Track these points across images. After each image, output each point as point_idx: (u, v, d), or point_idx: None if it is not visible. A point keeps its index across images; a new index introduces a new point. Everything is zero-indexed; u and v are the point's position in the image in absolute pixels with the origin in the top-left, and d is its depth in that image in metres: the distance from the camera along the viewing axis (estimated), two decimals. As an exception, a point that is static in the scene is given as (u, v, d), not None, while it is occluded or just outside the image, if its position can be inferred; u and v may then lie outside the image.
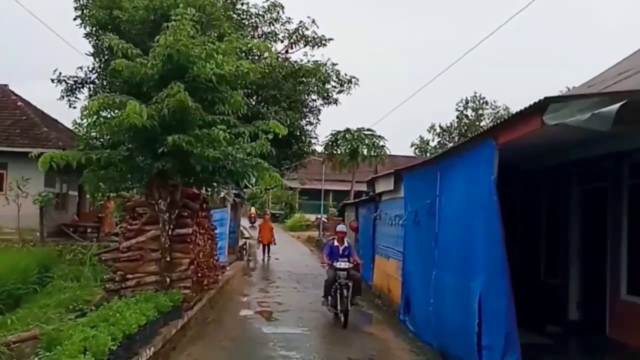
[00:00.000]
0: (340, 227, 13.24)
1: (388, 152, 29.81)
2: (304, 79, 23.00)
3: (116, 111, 8.25)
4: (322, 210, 36.16)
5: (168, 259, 9.35)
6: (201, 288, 11.05)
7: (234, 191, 19.69)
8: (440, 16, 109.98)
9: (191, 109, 8.40)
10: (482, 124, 55.14)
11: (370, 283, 16.48)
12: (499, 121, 10.92)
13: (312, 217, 47.54)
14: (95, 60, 16.24)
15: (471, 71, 79.51)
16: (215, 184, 10.27)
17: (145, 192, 9.59)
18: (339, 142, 29.50)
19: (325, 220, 36.71)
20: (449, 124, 57.49)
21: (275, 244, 26.37)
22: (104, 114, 8.50)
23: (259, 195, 72.34)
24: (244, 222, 51.97)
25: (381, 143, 29.51)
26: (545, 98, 5.64)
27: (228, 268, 18.15)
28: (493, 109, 56.03)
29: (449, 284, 8.04)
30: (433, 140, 57.87)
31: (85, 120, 8.22)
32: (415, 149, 58.02)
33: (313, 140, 24.14)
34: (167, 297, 8.47)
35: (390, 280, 13.48)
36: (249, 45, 10.34)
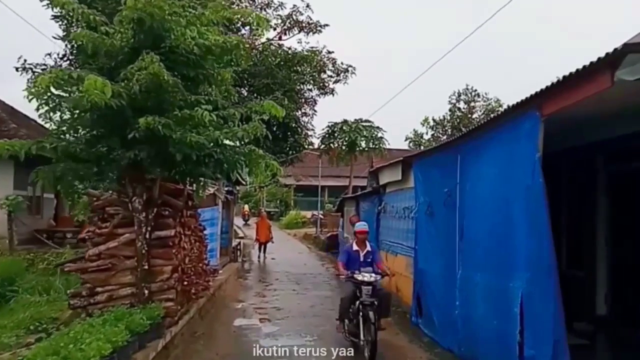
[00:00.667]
0: (361, 226, 9.58)
1: (387, 144, 28.53)
2: (298, 67, 21.66)
3: (75, 89, 6.80)
4: (319, 206, 34.75)
5: (146, 267, 7.94)
6: (188, 298, 9.66)
7: (225, 188, 18.31)
8: (441, 8, 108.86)
9: (168, 85, 6.98)
10: (474, 116, 54.23)
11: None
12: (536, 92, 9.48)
13: (308, 213, 46.30)
14: (66, 45, 14.76)
15: (465, 64, 78.44)
16: (201, 178, 8.78)
17: (117, 189, 8.15)
18: (336, 134, 28.11)
19: (322, 217, 35.35)
20: (441, 117, 56.46)
21: (272, 242, 25.19)
22: (60, 93, 7.01)
23: (253, 193, 71.18)
24: (238, 221, 50.83)
25: (379, 134, 28.17)
26: (624, 45, 4.29)
27: (221, 271, 16.77)
28: (485, 101, 55.06)
29: (481, 284, 6.68)
30: (427, 133, 56.87)
31: (36, 103, 6.72)
32: (410, 142, 56.87)
33: (310, 132, 22.85)
34: (145, 314, 7.08)
35: (399, 278, 12.14)
36: (239, 16, 8.86)
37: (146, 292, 7.79)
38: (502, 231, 6.25)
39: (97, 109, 6.80)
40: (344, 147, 28.64)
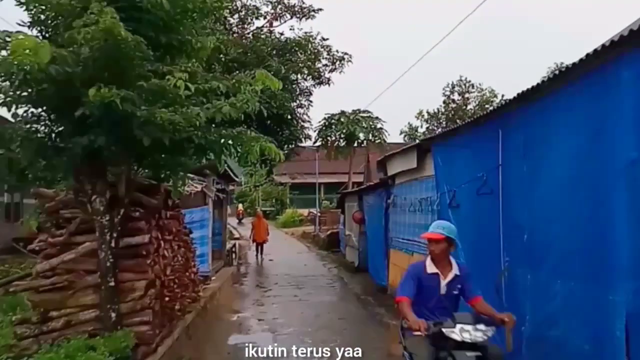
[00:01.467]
0: (436, 229, 5.10)
1: (387, 136, 26.98)
2: (291, 55, 20.04)
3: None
4: (317, 203, 33.16)
5: (112, 283, 6.28)
6: (171, 316, 8.03)
7: (216, 185, 16.68)
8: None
9: (129, 48, 5.32)
10: (469, 107, 52.91)
11: (385, 284, 13.59)
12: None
13: (305, 211, 44.75)
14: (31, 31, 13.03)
15: (460, 55, 76.98)
16: (180, 170, 7.06)
17: (73, 186, 6.48)
18: (333, 126, 26.50)
19: (320, 214, 33.70)
20: (436, 110, 55.11)
21: (267, 241, 23.72)
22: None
23: (248, 193, 69.48)
24: (232, 222, 49.13)
25: (379, 125, 26.54)
26: None
27: (213, 278, 15.13)
28: (479, 92, 53.64)
29: (561, 294, 4.97)
30: (421, 126, 55.52)
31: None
32: (405, 136, 55.42)
33: (306, 125, 21.28)
34: (111, 344, 5.46)
35: (419, 282, 10.55)
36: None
37: (113, 315, 6.14)
38: (591, 224, 4.54)
39: (35, 80, 5.15)
40: (341, 140, 27.03)
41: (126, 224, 6.70)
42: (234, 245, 21.14)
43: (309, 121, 21.43)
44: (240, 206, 58.17)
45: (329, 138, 26.94)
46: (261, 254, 23.53)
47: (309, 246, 27.42)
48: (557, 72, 5.08)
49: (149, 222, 7.00)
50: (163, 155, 6.56)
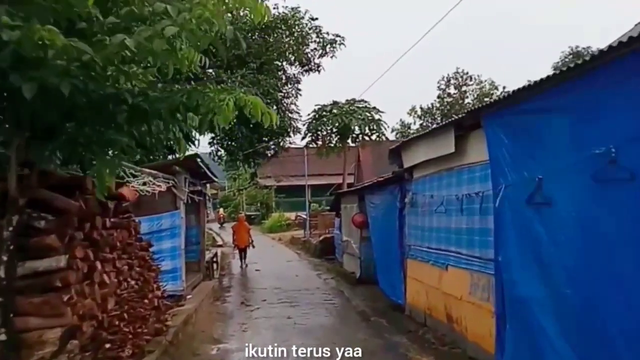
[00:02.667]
0: None
1: (386, 128, 24.35)
2: (275, 34, 17.43)
3: None
4: (307, 206, 30.50)
5: (2, 336, 3.67)
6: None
7: (190, 187, 14.03)
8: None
9: None
10: (467, 101, 50.63)
11: (402, 302, 11.05)
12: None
13: (292, 215, 42.18)
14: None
15: (456, 47, 74.93)
16: (108, 149, 4.33)
17: None
18: (324, 119, 23.86)
19: (308, 217, 31.03)
20: (430, 105, 52.79)
21: (253, 247, 21.14)
22: None
23: (232, 198, 66.65)
24: (215, 227, 46.30)
25: (377, 117, 23.92)
26: None
27: (189, 296, 12.49)
28: (478, 84, 51.38)
29: None
30: (414, 123, 53.23)
31: None
32: (397, 134, 53.05)
33: (294, 116, 18.68)
34: None
35: (458, 305, 8.01)
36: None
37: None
38: None
39: None
40: (334, 135, 24.40)
41: (27, 240, 4.06)
42: (215, 254, 18.44)
43: (297, 112, 18.88)
44: (222, 210, 55.39)
45: (319, 133, 24.27)
46: (244, 259, 21.20)
47: (299, 253, 24.77)
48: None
49: (65, 236, 4.35)
50: (77, 126, 3.87)
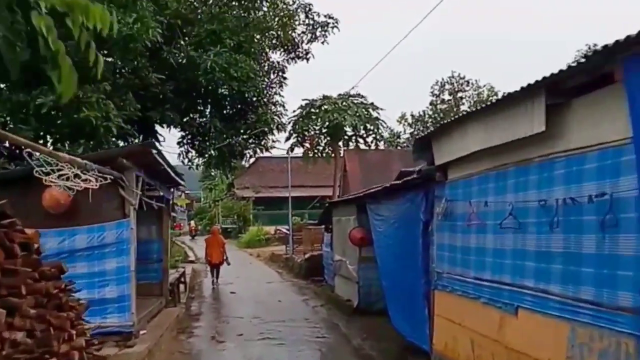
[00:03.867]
0: None
1: (385, 128, 21.44)
2: (256, 10, 14.64)
3: None
4: (289, 219, 27.54)
5: None
6: None
7: (152, 192, 11.15)
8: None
9: None
10: (462, 108, 48.16)
11: (428, 347, 8.24)
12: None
13: (272, 228, 39.20)
14: None
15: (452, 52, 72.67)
16: None
17: None
18: (312, 116, 20.96)
19: (289, 232, 28.09)
20: (421, 112, 50.32)
21: (228, 263, 18.38)
22: None
23: (207, 209, 63.26)
24: (188, 240, 43.01)
25: (374, 115, 21.01)
26: None
27: (143, 332, 9.57)
28: (475, 90, 48.95)
29: None
30: (404, 132, 50.74)
31: None
32: (384, 143, 50.41)
33: (278, 109, 15.83)
34: None
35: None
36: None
37: None
38: None
39: None
40: (323, 135, 21.49)
41: None
42: (183, 273, 15.43)
43: (282, 105, 16.04)
44: (193, 222, 52.23)
45: (306, 132, 21.36)
46: (217, 278, 18.54)
47: (280, 272, 21.78)
48: None
49: None
50: None
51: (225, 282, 18.69)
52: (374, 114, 21.18)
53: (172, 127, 14.09)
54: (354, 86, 60.59)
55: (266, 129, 15.32)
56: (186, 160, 17.18)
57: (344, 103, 20.65)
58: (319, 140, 21.83)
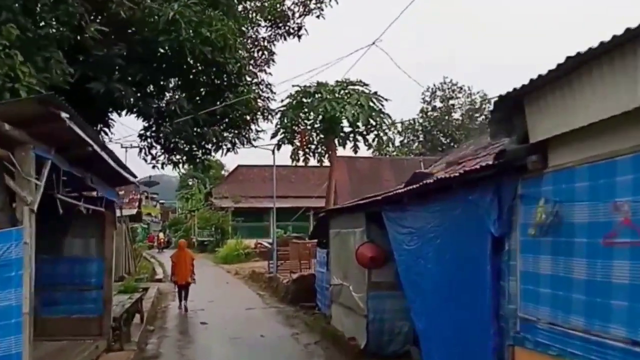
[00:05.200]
0: None
1: (389, 126, 18.12)
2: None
3: None
4: (273, 232, 24.20)
5: None
6: None
7: (65, 190, 7.92)
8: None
9: None
10: (455, 116, 45.70)
11: None
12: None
13: (252, 242, 35.84)
14: None
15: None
16: None
17: None
18: (305, 107, 17.68)
19: (273, 246, 24.77)
20: (412, 120, 47.60)
21: (194, 281, 15.67)
22: None
23: (182, 221, 59.57)
24: (165, 256, 39.18)
25: (379, 107, 17.78)
26: None
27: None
28: (468, 97, 46.56)
29: None
30: (394, 140, 47.95)
31: None
32: (374, 151, 47.54)
33: (263, 91, 12.56)
34: None
35: None
36: None
37: None
38: None
39: None
40: (317, 129, 18.19)
41: None
42: (139, 300, 12.00)
43: (268, 87, 12.74)
44: (161, 235, 48.61)
45: (296, 127, 18.06)
46: (185, 300, 15.44)
47: (262, 295, 18.38)
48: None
49: None
50: None
51: (196, 307, 15.34)
52: (378, 106, 17.97)
53: (125, 111, 10.83)
54: (352, 66, 56.98)
55: (248, 116, 12.09)
56: (149, 158, 13.85)
57: (342, 91, 17.42)
58: (311, 137, 18.53)
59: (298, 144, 18.40)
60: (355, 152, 19.41)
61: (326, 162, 22.01)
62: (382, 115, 18.12)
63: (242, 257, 32.51)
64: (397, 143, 47.46)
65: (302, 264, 19.19)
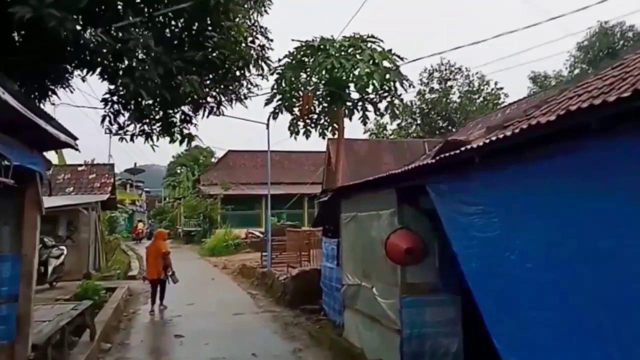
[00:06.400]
0: None
1: (407, 89, 15.15)
2: None
3: None
4: (268, 220, 21.17)
5: None
6: None
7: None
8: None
9: None
10: (453, 98, 43.04)
11: None
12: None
13: (242, 232, 32.96)
14: None
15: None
16: None
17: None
18: (307, 67, 14.67)
19: (267, 236, 21.82)
20: (409, 102, 44.79)
21: (174, 281, 13.14)
22: None
23: (169, 210, 56.42)
24: (141, 248, 35.81)
25: (394, 66, 14.78)
26: None
27: None
28: (466, 79, 43.96)
29: None
30: (391, 122, 45.23)
31: None
32: (371, 134, 44.79)
33: (258, 38, 9.44)
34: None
35: None
36: None
37: None
38: None
39: None
40: (321, 95, 15.13)
41: None
42: (81, 313, 8.92)
43: (264, 33, 9.63)
44: (140, 225, 45.39)
45: (295, 93, 15.00)
46: (161, 300, 13.09)
47: (254, 295, 15.39)
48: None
49: None
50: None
51: (172, 315, 12.42)
52: (394, 66, 14.91)
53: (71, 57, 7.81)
54: (350, 21, 53.56)
55: (237, 66, 8.99)
56: (114, 128, 10.79)
57: (352, 46, 14.30)
58: (313, 106, 15.41)
59: (298, 113, 15.31)
60: (365, 123, 16.45)
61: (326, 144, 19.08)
62: (399, 76, 15.03)
63: (231, 249, 29.54)
64: (394, 126, 44.80)
65: (302, 256, 16.27)
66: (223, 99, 9.50)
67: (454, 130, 34.94)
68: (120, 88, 9.19)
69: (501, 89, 43.42)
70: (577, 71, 36.83)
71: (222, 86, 9.29)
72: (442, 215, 5.82)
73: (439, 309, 7.09)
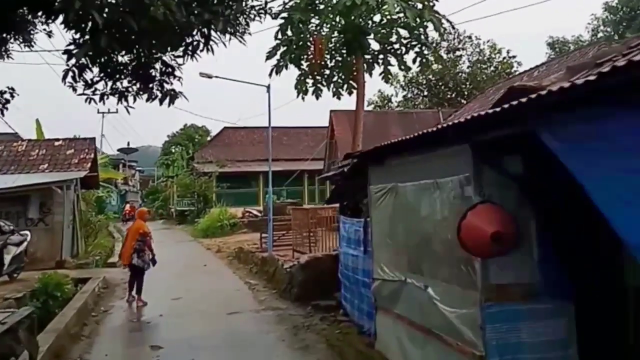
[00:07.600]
0: None
1: (443, 34, 12.45)
2: None
3: None
4: (269, 199, 18.70)
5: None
6: None
7: None
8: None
9: None
10: (463, 68, 40.42)
11: None
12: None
13: (239, 211, 30.54)
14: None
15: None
16: None
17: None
18: (318, 6, 12.06)
19: (268, 215, 19.32)
20: (415, 73, 42.10)
21: (153, 263, 10.95)
22: None
23: (162, 189, 53.99)
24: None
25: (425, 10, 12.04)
26: None
27: None
28: (476, 47, 41.27)
29: None
30: (396, 94, 42.69)
31: None
32: (375, 107, 42.26)
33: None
34: None
35: None
36: None
37: None
38: None
39: None
40: (336, 45, 12.47)
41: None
42: (21, 323, 6.49)
43: None
44: (128, 206, 42.92)
45: (303, 43, 12.35)
46: (138, 293, 10.76)
47: (253, 285, 12.82)
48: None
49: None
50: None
51: (152, 313, 10.01)
52: (425, 9, 12.17)
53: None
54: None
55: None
56: (80, 87, 8.12)
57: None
58: (325, 60, 12.67)
59: (306, 67, 12.64)
60: (387, 80, 13.91)
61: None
62: (435, 15, 12.31)
63: (226, 229, 27.10)
64: (400, 97, 42.24)
65: (312, 238, 13.76)
66: (212, 31, 6.89)
67: (463, 102, 32.53)
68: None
69: (514, 57, 40.73)
70: (600, 35, 34.19)
71: (210, 11, 6.67)
72: (583, 177, 3.33)
73: (542, 324, 4.68)
